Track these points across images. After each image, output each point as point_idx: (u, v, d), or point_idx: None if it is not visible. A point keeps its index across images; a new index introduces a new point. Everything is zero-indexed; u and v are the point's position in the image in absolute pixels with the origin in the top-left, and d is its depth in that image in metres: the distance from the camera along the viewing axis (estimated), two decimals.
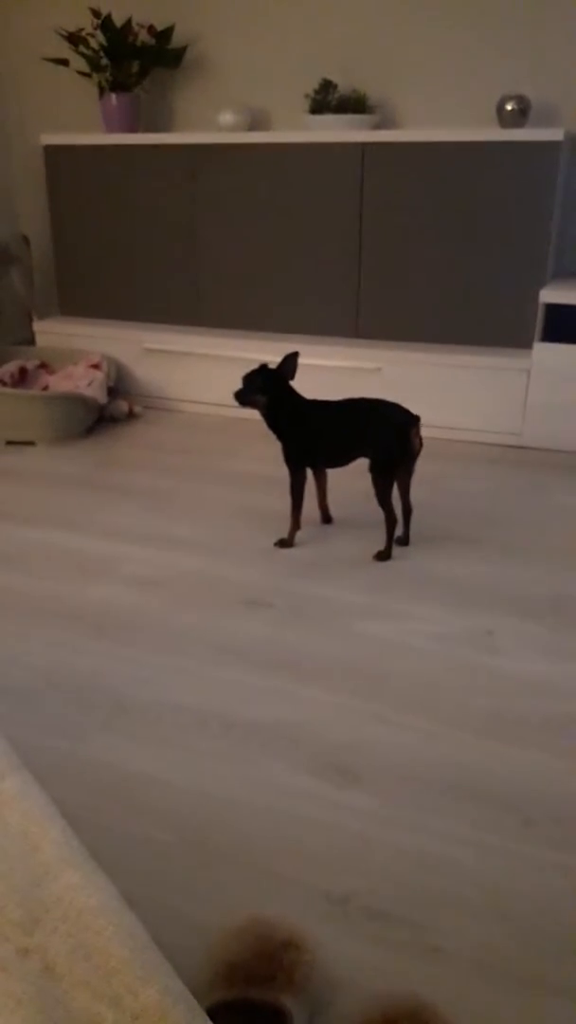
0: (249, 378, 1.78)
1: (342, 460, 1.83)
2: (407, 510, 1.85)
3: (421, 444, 1.77)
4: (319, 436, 1.81)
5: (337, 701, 1.33)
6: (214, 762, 1.19)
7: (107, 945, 0.42)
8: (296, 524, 1.84)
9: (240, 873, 1.00)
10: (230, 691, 1.35)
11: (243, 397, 1.78)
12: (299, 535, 1.85)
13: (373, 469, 1.75)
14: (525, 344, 2.45)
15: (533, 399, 2.42)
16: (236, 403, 1.79)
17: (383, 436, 1.75)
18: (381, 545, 1.79)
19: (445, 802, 1.11)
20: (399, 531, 1.84)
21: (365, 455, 1.78)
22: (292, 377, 1.80)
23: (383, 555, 1.79)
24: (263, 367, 1.78)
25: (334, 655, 1.45)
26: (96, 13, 2.75)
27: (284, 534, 1.85)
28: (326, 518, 1.95)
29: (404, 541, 1.85)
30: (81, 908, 0.43)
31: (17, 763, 0.53)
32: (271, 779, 1.15)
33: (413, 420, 1.74)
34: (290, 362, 1.79)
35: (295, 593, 1.66)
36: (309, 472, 1.85)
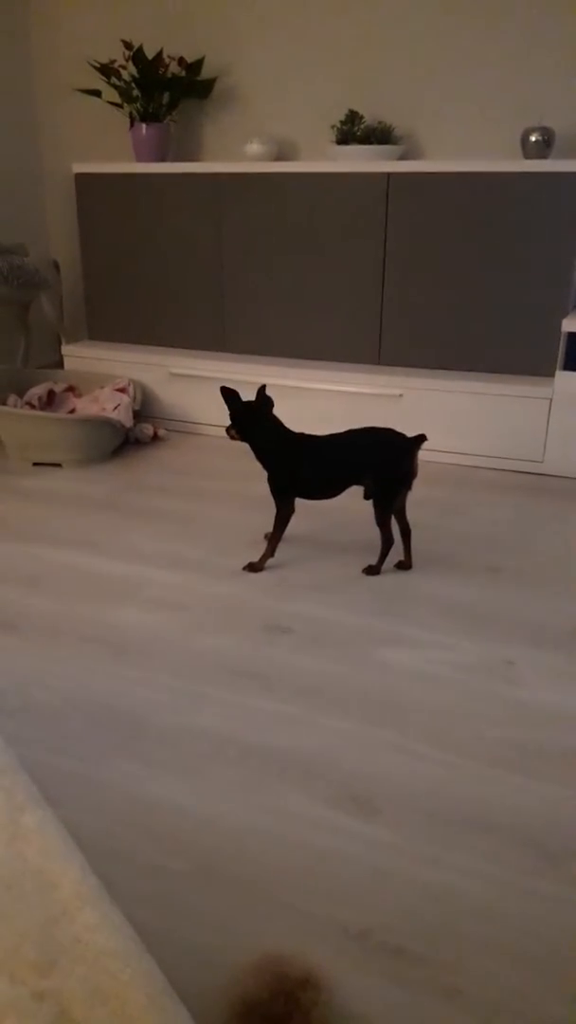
0: (233, 417, 1.82)
1: (333, 491, 1.85)
2: (406, 532, 1.87)
3: (416, 468, 1.80)
4: (309, 468, 1.82)
5: (355, 729, 1.32)
6: (231, 789, 1.18)
7: (124, 990, 0.42)
8: (271, 552, 1.87)
9: (256, 905, 0.99)
10: (248, 717, 1.35)
11: (230, 431, 1.83)
12: (319, 561, 1.86)
13: (376, 494, 1.78)
14: (547, 372, 2.45)
15: (555, 427, 2.42)
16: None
17: (386, 461, 1.78)
18: (399, 570, 1.79)
19: (464, 835, 1.10)
20: (401, 556, 1.86)
21: (360, 483, 1.81)
22: (269, 410, 1.82)
23: (374, 569, 1.83)
24: (241, 404, 1.81)
25: (353, 682, 1.45)
26: (128, 45, 2.81)
27: (309, 560, 1.86)
28: (406, 562, 1.90)
29: (407, 565, 1.87)
30: (99, 950, 0.44)
31: (37, 797, 0.54)
32: (288, 808, 1.15)
33: (414, 442, 1.77)
34: (262, 397, 1.81)
35: (315, 619, 1.66)
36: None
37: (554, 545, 2.00)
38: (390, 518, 1.80)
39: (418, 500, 2.25)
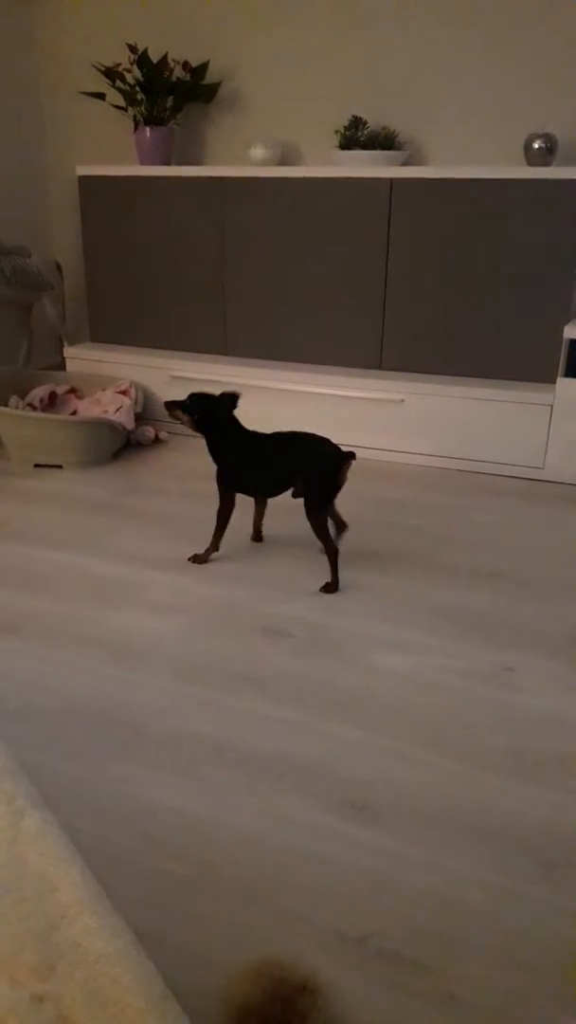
0: (190, 396, 1.86)
1: (272, 490, 1.90)
2: (341, 526, 1.91)
3: (345, 479, 1.82)
4: (250, 466, 1.87)
5: (354, 735, 1.32)
6: (230, 794, 1.18)
7: (123, 995, 0.42)
8: (215, 547, 1.92)
9: (254, 910, 0.99)
10: (248, 722, 1.35)
11: (170, 405, 1.86)
12: (319, 565, 1.86)
13: (307, 505, 1.79)
14: (549, 379, 2.45)
15: (556, 434, 2.42)
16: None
17: (315, 471, 1.80)
18: (400, 575, 1.79)
19: (463, 842, 1.10)
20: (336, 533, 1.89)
21: (295, 487, 1.83)
22: (231, 408, 1.86)
23: (331, 587, 1.81)
24: (203, 394, 1.87)
25: (352, 688, 1.45)
26: (133, 49, 2.82)
27: (309, 564, 1.86)
28: (257, 537, 2.02)
29: (342, 528, 1.90)
30: (98, 954, 0.44)
31: (38, 801, 0.54)
32: (286, 814, 1.15)
33: (344, 456, 1.78)
34: (232, 397, 1.86)
35: (314, 623, 1.66)
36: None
37: (553, 551, 2.01)
38: (327, 528, 1.81)
39: (418, 505, 2.26)
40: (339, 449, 1.79)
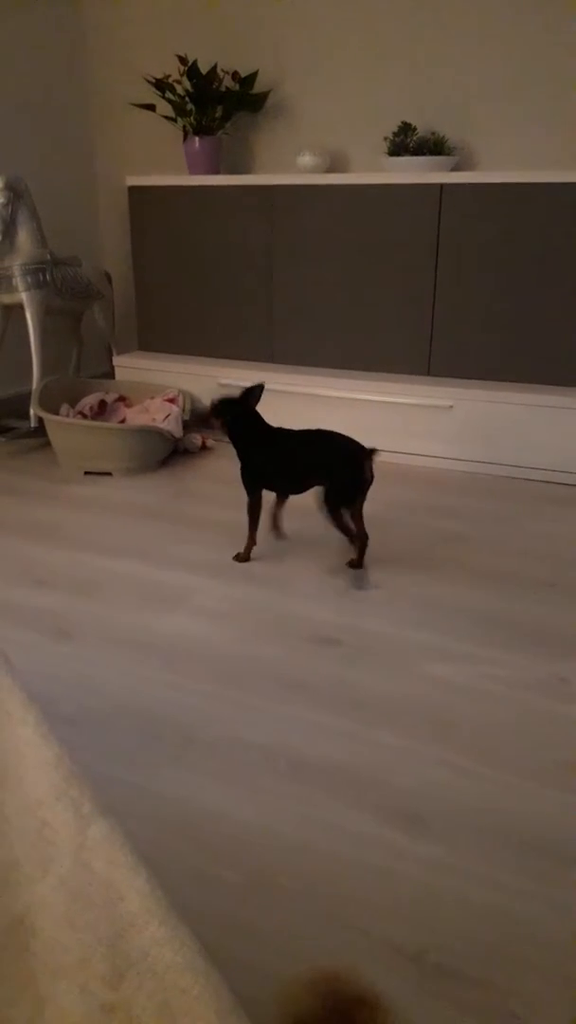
0: (214, 404, 1.90)
1: (297, 487, 1.91)
2: (363, 536, 1.89)
3: (372, 476, 1.83)
4: (276, 462, 1.89)
5: (405, 745, 1.31)
6: (282, 802, 1.18)
7: (194, 1005, 0.41)
8: (252, 541, 1.94)
9: (308, 920, 0.98)
10: (298, 729, 1.35)
11: (197, 420, 1.93)
12: (368, 572, 1.85)
13: (326, 501, 1.81)
14: None
15: None
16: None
17: (338, 468, 1.81)
18: (450, 584, 1.77)
19: (518, 856, 1.08)
20: (353, 554, 1.90)
21: (321, 484, 1.84)
22: (255, 404, 1.88)
23: (356, 563, 1.88)
24: (227, 398, 1.90)
25: (402, 696, 1.43)
26: (183, 60, 2.85)
27: (356, 569, 1.85)
28: (279, 535, 2.04)
29: (358, 564, 1.89)
30: (168, 964, 0.43)
31: (104, 808, 0.54)
32: (338, 823, 1.14)
33: (367, 453, 1.79)
34: (254, 391, 1.88)
35: (364, 631, 1.65)
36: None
37: None
38: (342, 519, 1.83)
39: (468, 512, 2.23)
40: (362, 446, 1.80)
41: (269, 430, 1.89)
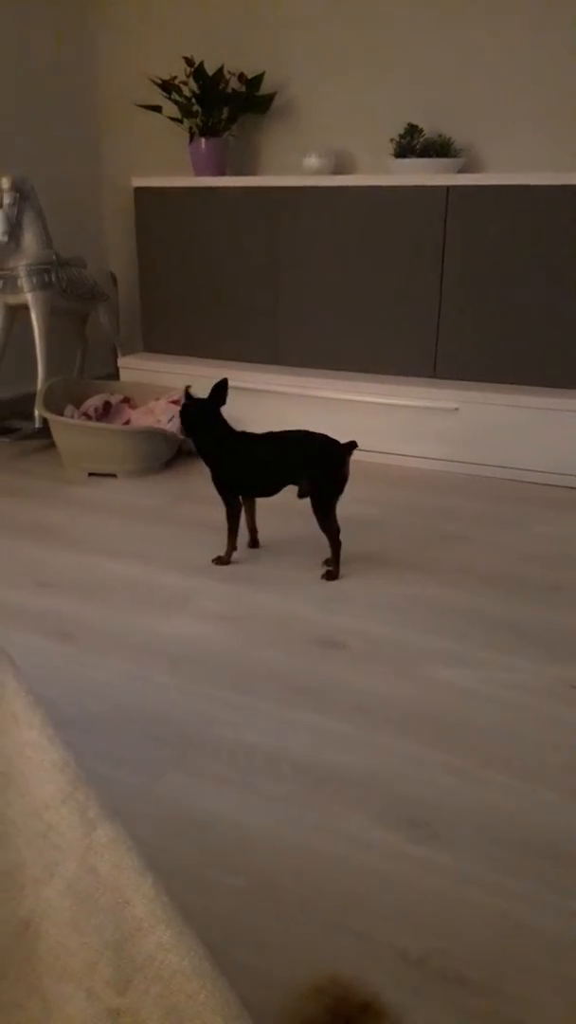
0: (183, 419, 1.88)
1: (271, 489, 1.91)
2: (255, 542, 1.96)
3: (348, 472, 1.84)
4: (250, 466, 1.88)
5: (412, 750, 1.30)
6: (286, 807, 1.17)
7: (200, 1011, 0.41)
8: (232, 546, 1.94)
9: (312, 926, 0.98)
10: (302, 734, 1.34)
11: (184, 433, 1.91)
12: (374, 576, 1.84)
13: (318, 502, 1.82)
14: None
15: None
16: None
17: (323, 465, 1.82)
18: (455, 587, 1.77)
19: (524, 863, 1.07)
20: (331, 565, 1.89)
21: (296, 483, 1.85)
22: (221, 404, 1.87)
23: (332, 574, 1.86)
24: (192, 401, 1.87)
25: (408, 701, 1.43)
26: (189, 61, 2.85)
27: (363, 575, 1.85)
28: (253, 542, 2.04)
29: (335, 574, 1.88)
30: (174, 970, 0.43)
31: (110, 812, 0.53)
32: (343, 828, 1.13)
33: (347, 448, 1.80)
34: (219, 391, 1.86)
35: (369, 634, 1.65)
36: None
37: None
38: (336, 523, 1.83)
39: (473, 515, 2.23)
40: (338, 442, 1.81)
41: (237, 436, 1.89)
